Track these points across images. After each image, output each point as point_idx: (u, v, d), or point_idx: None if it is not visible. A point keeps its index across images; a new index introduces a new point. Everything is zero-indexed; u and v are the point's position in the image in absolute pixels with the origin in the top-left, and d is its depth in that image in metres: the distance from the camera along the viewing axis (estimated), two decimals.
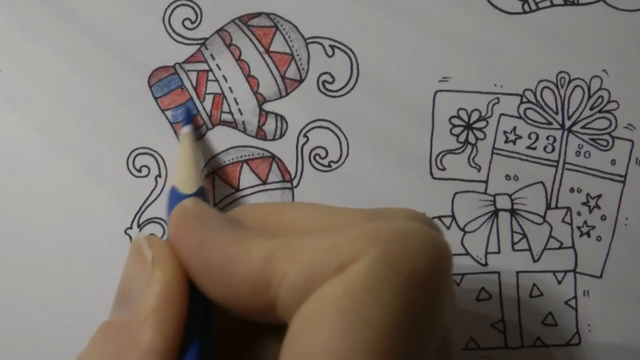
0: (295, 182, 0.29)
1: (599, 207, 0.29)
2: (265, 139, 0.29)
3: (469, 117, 0.29)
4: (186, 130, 0.28)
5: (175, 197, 0.24)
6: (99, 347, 0.20)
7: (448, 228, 0.29)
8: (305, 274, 0.18)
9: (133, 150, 0.29)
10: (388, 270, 0.17)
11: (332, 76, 0.29)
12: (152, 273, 0.20)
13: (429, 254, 0.18)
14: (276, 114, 0.29)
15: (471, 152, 0.29)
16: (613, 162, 0.29)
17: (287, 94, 0.29)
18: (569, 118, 0.29)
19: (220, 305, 0.20)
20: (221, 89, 0.29)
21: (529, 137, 0.29)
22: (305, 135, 0.29)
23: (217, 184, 0.29)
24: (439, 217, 0.29)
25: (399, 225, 0.18)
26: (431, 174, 0.29)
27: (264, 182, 0.29)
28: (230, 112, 0.29)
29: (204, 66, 0.29)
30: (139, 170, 0.29)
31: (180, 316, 0.20)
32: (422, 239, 0.18)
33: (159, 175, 0.29)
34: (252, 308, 0.19)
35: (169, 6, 0.29)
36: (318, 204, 0.22)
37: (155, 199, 0.29)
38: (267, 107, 0.29)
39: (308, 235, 0.19)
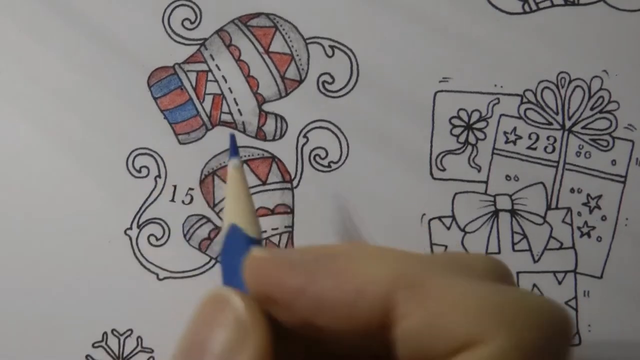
0: (295, 183, 0.29)
1: (599, 208, 0.29)
2: (265, 139, 0.29)
3: (469, 117, 0.29)
4: (236, 162, 0.23)
5: (242, 240, 0.21)
6: None
7: (448, 228, 0.29)
8: (428, 323, 0.16)
9: (133, 151, 0.29)
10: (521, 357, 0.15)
11: (332, 76, 0.29)
12: (248, 335, 0.18)
13: (564, 337, 0.16)
14: (276, 115, 0.29)
15: (471, 152, 0.29)
16: (613, 162, 0.29)
17: (287, 94, 0.29)
18: (570, 118, 0.29)
19: (331, 342, 0.19)
20: (221, 90, 0.29)
21: (529, 138, 0.29)
22: (305, 136, 0.29)
23: (217, 184, 0.29)
24: (439, 218, 0.29)
25: (523, 300, 0.17)
26: (431, 174, 0.29)
27: (264, 183, 0.29)
28: (230, 113, 0.29)
29: (203, 66, 0.29)
30: (139, 171, 0.29)
31: None
32: (557, 321, 0.16)
33: (159, 176, 0.29)
34: (365, 332, 0.18)
35: (168, 6, 0.29)
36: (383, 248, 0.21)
37: (155, 199, 0.29)
38: (267, 107, 0.29)
39: (438, 276, 0.17)
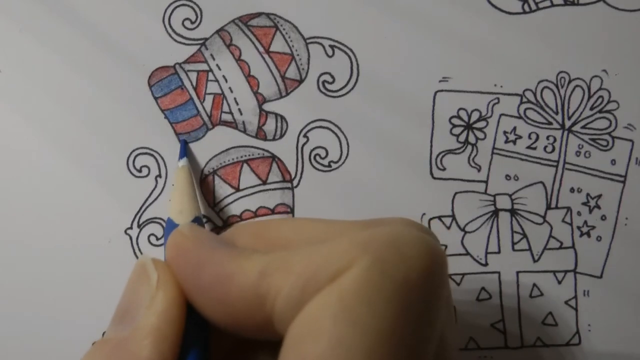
0: (295, 182, 0.29)
1: (599, 207, 0.29)
2: (265, 139, 0.29)
3: (469, 117, 0.29)
4: (182, 163, 0.28)
5: (171, 226, 0.25)
6: None
7: (448, 228, 0.29)
8: (300, 284, 0.18)
9: (133, 150, 0.29)
10: (381, 276, 0.17)
11: (332, 76, 0.29)
12: (155, 293, 0.20)
13: (422, 258, 0.18)
14: (276, 114, 0.29)
15: (471, 152, 0.29)
16: (613, 162, 0.29)
17: (287, 94, 0.29)
18: (569, 118, 0.29)
19: (219, 324, 0.20)
20: (221, 89, 0.29)
21: (529, 137, 0.29)
22: (305, 135, 0.29)
23: (217, 184, 0.29)
24: (439, 217, 0.29)
25: (391, 231, 0.18)
26: (431, 174, 0.29)
27: (264, 182, 0.29)
28: (231, 112, 0.29)
29: (204, 66, 0.29)
30: (139, 170, 0.29)
31: (178, 337, 0.20)
32: (415, 244, 0.18)
33: (159, 175, 0.29)
34: (250, 325, 0.19)
35: (169, 6, 0.29)
36: (310, 218, 0.22)
37: (155, 199, 0.29)
38: (267, 107, 0.29)
39: (301, 248, 0.19)
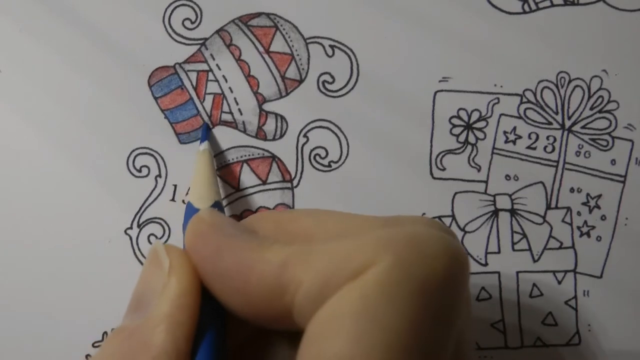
0: (295, 182, 0.29)
1: (599, 207, 0.29)
2: (265, 139, 0.29)
3: (469, 117, 0.29)
4: (203, 147, 0.28)
5: (191, 211, 0.24)
6: (109, 350, 0.20)
7: None
8: (321, 279, 0.18)
9: (133, 150, 0.29)
10: (403, 276, 0.17)
11: (332, 76, 0.29)
12: (167, 280, 0.20)
13: (444, 258, 0.18)
14: (276, 114, 0.29)
15: (471, 152, 0.29)
16: (613, 162, 0.29)
17: (287, 94, 0.29)
18: (569, 118, 0.29)
19: (236, 313, 0.20)
20: (221, 89, 0.29)
21: (529, 137, 0.29)
22: (305, 135, 0.29)
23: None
24: (439, 217, 0.29)
25: (414, 230, 0.19)
26: (431, 174, 0.29)
27: (264, 182, 0.29)
28: (231, 112, 0.29)
29: (204, 66, 0.29)
30: (139, 170, 0.29)
31: (192, 324, 0.20)
32: (437, 244, 0.18)
33: (159, 175, 0.29)
34: (268, 315, 0.19)
35: (169, 6, 0.29)
36: (332, 211, 0.22)
37: (155, 199, 0.29)
38: (267, 107, 0.29)
39: (323, 242, 0.19)
